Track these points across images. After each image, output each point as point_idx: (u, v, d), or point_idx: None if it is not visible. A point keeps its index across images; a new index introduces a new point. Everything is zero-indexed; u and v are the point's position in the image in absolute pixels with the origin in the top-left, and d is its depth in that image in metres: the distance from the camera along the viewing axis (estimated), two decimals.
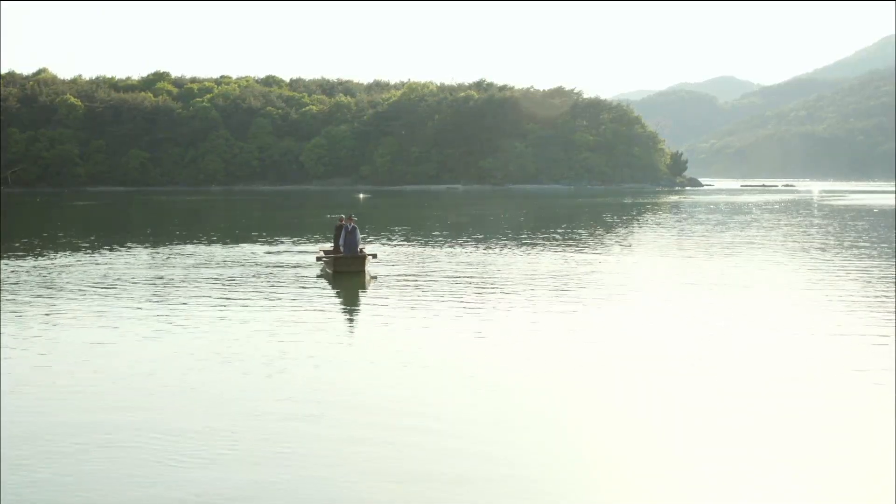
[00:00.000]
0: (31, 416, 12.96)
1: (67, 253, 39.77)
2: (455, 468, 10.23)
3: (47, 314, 23.09)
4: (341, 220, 33.82)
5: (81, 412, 13.44)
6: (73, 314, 22.90)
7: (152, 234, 52.37)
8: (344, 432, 11.76)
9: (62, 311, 23.55)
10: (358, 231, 32.51)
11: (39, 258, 37.39)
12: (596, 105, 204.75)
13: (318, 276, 31.45)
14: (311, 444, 11.36)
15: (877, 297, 25.79)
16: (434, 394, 13.85)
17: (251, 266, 34.88)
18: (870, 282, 29.38)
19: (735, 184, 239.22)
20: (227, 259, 37.61)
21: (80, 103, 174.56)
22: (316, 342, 18.30)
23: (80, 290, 27.66)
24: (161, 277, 31.23)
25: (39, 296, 26.48)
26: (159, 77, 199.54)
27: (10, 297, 26.17)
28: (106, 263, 35.71)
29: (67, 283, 29.53)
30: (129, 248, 42.72)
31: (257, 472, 10.24)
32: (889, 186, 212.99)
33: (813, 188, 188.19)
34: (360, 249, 32.71)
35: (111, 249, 41.70)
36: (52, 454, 11.46)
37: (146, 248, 42.76)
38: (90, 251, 40.76)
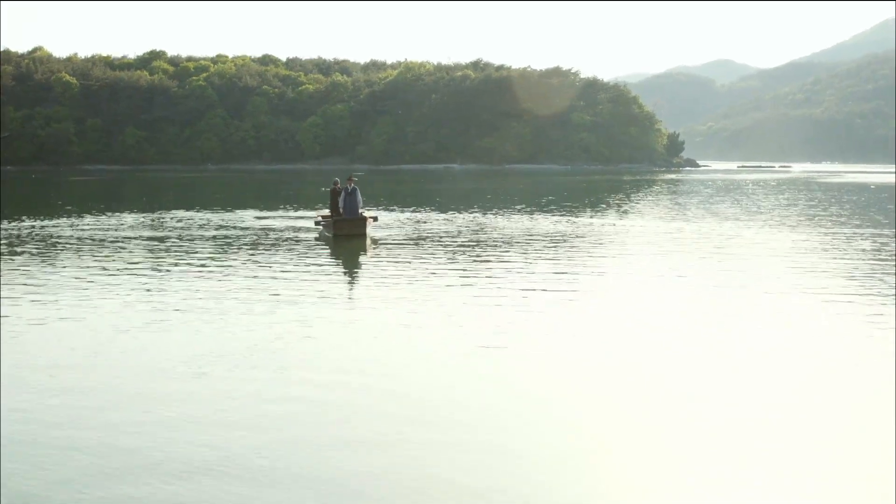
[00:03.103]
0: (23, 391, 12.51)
1: (63, 219, 39.60)
2: (448, 436, 9.63)
3: (39, 276, 22.98)
4: (335, 184, 33.17)
5: (71, 374, 13.25)
6: (65, 276, 22.72)
7: (148, 203, 52.00)
8: (339, 396, 11.11)
9: (55, 273, 23.43)
10: (358, 192, 31.82)
11: (35, 222, 37.18)
12: (593, 85, 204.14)
13: (316, 240, 31.10)
14: (307, 408, 10.71)
15: (874, 271, 25.73)
16: (436, 361, 13.09)
17: (248, 231, 34.66)
18: (863, 253, 29.31)
19: (732, 165, 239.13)
20: (224, 224, 37.40)
21: (75, 81, 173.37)
22: (317, 306, 17.50)
23: (72, 253, 27.56)
24: (156, 240, 31.04)
25: (34, 256, 26.38)
26: (155, 56, 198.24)
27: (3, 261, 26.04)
28: (98, 226, 35.50)
29: (62, 246, 29.40)
30: (124, 214, 42.49)
31: (251, 436, 9.64)
32: (885, 168, 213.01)
33: (809, 168, 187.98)
34: (361, 212, 32.15)
35: (105, 215, 41.48)
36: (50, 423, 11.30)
37: (141, 214, 42.54)
38: (84, 217, 40.56)
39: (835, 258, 25.83)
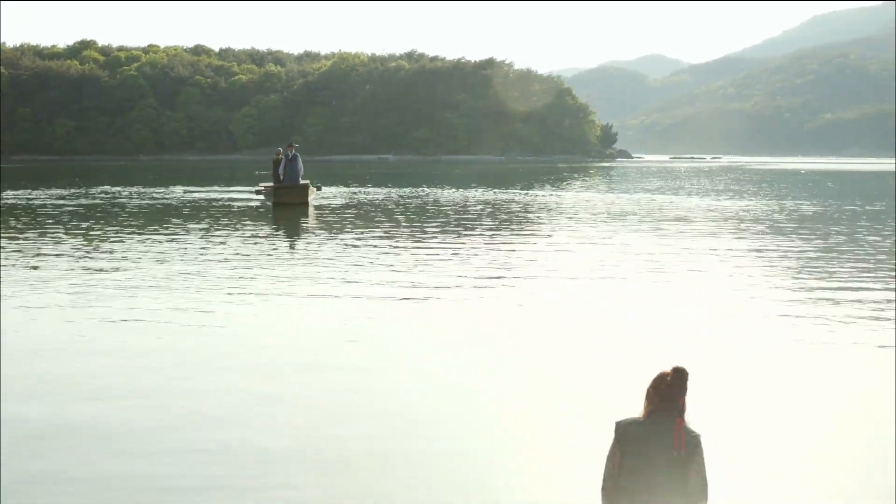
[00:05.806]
0: None
1: None
2: (388, 412, 8.25)
3: None
4: (278, 153, 32.01)
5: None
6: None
7: (82, 183, 50.92)
8: (276, 375, 9.53)
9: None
10: (300, 159, 30.95)
11: None
12: (527, 77, 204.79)
13: (258, 209, 30.73)
14: (240, 380, 9.28)
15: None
16: (375, 330, 11.83)
17: (184, 202, 34.23)
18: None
19: (665, 158, 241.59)
20: (160, 197, 36.97)
21: (3, 71, 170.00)
22: (256, 277, 15.94)
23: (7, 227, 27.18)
24: (85, 207, 30.63)
25: None
26: (85, 45, 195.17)
27: None
28: (27, 197, 34.98)
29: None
30: (54, 190, 41.82)
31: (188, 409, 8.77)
32: (815, 160, 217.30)
33: (740, 160, 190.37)
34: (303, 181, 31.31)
35: (35, 190, 40.85)
36: None
37: (74, 192, 41.86)
38: (11, 191, 39.93)
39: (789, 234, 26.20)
